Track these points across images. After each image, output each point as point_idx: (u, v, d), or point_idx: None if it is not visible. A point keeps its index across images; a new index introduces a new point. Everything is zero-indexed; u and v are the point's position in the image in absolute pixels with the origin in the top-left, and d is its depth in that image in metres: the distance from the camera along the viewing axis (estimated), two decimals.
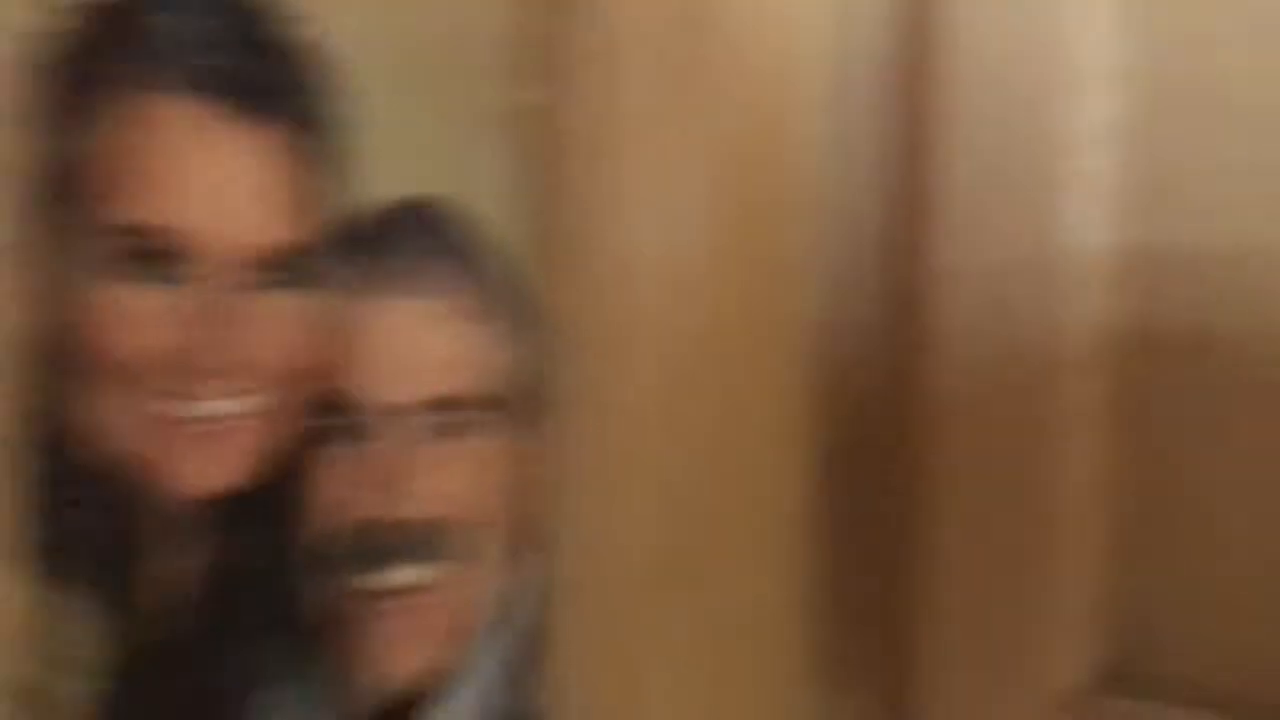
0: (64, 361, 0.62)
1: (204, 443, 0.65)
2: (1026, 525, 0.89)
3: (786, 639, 0.90)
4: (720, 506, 0.86)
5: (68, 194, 0.62)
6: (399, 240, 0.74)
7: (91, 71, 0.62)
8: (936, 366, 0.89)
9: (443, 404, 0.75)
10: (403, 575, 0.74)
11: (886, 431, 0.90)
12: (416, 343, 0.75)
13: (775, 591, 0.89)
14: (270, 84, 0.67)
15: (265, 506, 0.69)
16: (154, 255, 0.63)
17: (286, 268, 0.68)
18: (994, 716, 0.90)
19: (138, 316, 0.63)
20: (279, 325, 0.68)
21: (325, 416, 0.71)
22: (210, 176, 0.65)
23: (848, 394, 0.90)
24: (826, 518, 0.88)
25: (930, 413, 0.88)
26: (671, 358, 0.84)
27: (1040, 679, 0.89)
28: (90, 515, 0.62)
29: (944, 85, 0.88)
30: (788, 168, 0.89)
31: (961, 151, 0.89)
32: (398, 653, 0.74)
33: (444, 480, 0.75)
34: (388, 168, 0.74)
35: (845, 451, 0.91)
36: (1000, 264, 0.89)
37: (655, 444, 0.84)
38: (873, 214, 0.91)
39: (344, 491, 0.72)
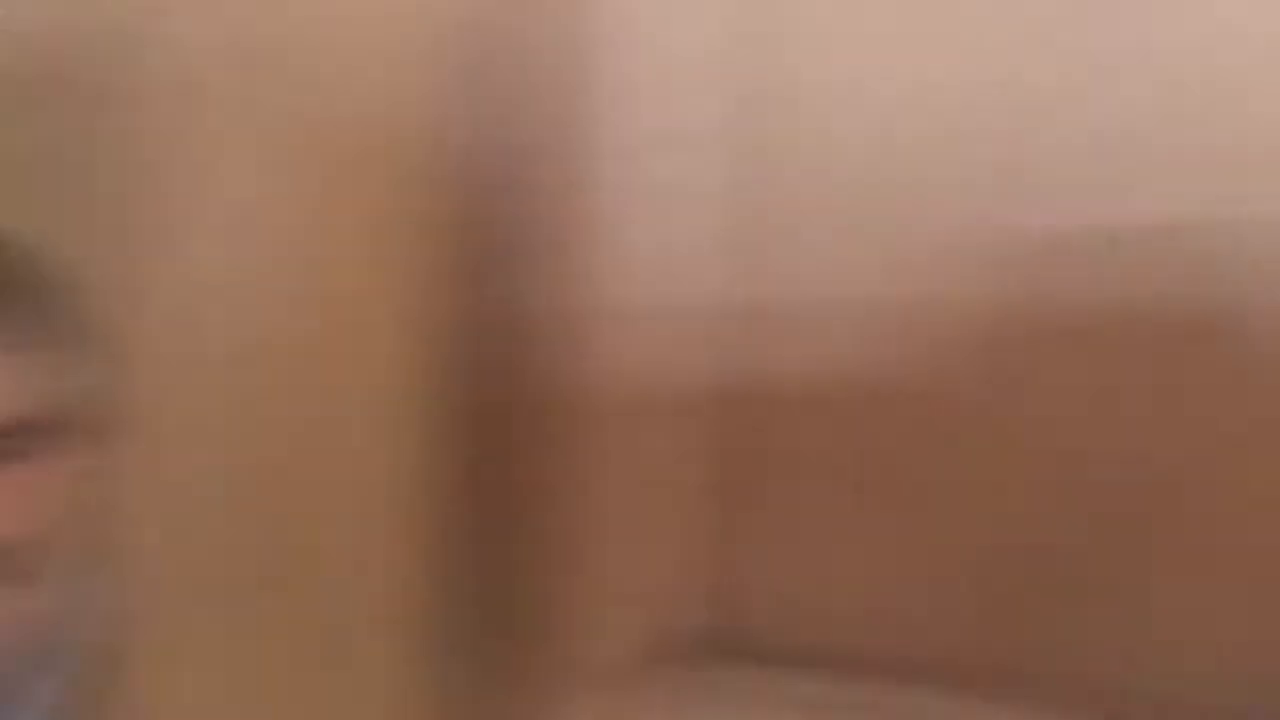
0: None
1: None
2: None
3: (391, 638, 0.91)
4: (307, 515, 0.86)
5: None
6: None
7: None
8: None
9: None
10: None
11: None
12: None
13: (378, 592, 0.90)
14: None
15: None
16: None
17: None
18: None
19: None
20: None
21: None
22: None
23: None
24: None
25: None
26: (239, 374, 0.84)
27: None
28: None
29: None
30: (391, 192, 0.88)
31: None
32: None
33: None
34: None
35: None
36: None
37: (224, 460, 0.84)
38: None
39: None
